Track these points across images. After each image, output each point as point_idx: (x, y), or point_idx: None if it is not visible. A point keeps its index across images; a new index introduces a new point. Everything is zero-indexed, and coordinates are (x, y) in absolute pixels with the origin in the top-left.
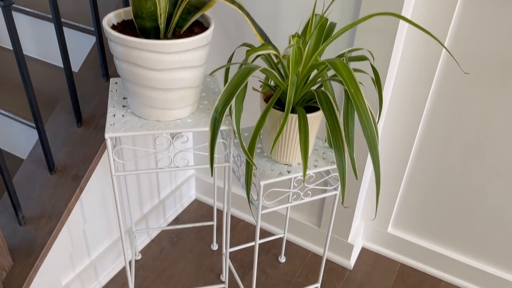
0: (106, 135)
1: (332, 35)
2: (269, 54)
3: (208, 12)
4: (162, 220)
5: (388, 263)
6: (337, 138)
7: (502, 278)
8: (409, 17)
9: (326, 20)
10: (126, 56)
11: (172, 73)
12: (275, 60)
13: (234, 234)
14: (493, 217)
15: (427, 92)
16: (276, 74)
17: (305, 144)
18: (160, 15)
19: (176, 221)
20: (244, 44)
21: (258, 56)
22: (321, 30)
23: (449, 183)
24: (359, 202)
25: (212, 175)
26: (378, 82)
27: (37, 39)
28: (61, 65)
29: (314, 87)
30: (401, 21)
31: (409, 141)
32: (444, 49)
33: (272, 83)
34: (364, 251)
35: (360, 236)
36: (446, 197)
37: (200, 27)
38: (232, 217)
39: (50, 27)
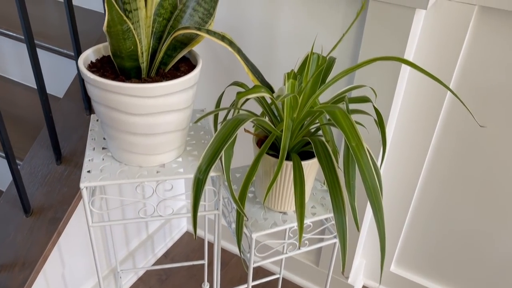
0: (81, 185)
1: (330, 78)
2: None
3: (198, 45)
4: (150, 256)
5: None
6: (336, 197)
7: None
8: (413, 52)
9: (325, 59)
10: (104, 99)
11: (154, 117)
12: (269, 101)
13: (226, 271)
14: (504, 260)
15: (433, 127)
16: (269, 122)
17: (301, 198)
18: (142, 53)
19: (166, 255)
20: (235, 83)
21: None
22: (319, 72)
23: (456, 222)
24: (360, 240)
25: (195, 238)
26: (381, 124)
27: (21, 62)
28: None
29: (312, 126)
30: (406, 53)
31: (413, 177)
32: (451, 83)
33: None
34: None
35: (361, 274)
36: (452, 236)
37: (187, 64)
38: (225, 251)
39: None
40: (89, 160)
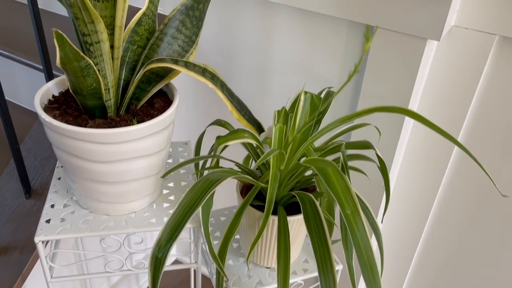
0: (36, 239)
1: (326, 126)
2: None
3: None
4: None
5: None
6: (325, 271)
7: None
8: (422, 86)
9: (320, 99)
10: (62, 144)
11: (121, 164)
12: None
13: None
14: None
15: (441, 173)
16: (250, 177)
17: (285, 260)
18: (108, 90)
19: None
20: (217, 122)
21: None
22: (312, 110)
23: (465, 267)
24: None
25: None
26: (385, 173)
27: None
28: (28, 107)
29: (307, 173)
30: (415, 88)
31: (419, 222)
32: (464, 122)
33: (253, 164)
34: None
35: None
36: (460, 283)
37: (163, 99)
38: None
39: (9, 63)
40: (50, 206)
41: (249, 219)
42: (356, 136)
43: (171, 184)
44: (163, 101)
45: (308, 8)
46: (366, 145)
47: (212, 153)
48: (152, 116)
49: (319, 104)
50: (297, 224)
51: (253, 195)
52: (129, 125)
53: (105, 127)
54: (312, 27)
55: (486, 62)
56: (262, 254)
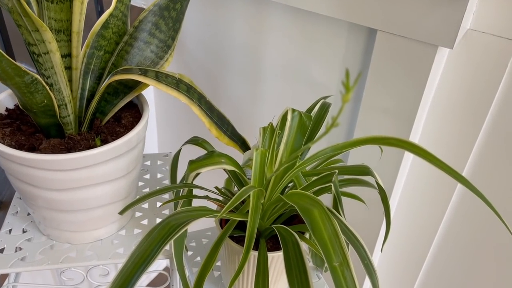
0: None
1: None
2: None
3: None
4: None
5: None
6: None
7: None
8: (431, 97)
9: (309, 118)
10: (11, 170)
11: (82, 192)
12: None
13: None
14: None
15: (446, 204)
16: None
17: None
18: (65, 105)
19: None
20: (193, 140)
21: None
22: (301, 130)
23: None
24: None
25: None
26: (385, 201)
27: None
28: None
29: None
30: (423, 99)
31: (421, 253)
32: (479, 136)
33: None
34: None
35: None
36: None
37: (132, 113)
38: None
39: None
40: (7, 231)
41: (228, 252)
42: (355, 152)
43: (145, 206)
44: (133, 115)
45: (304, 8)
46: (365, 171)
47: (184, 181)
48: (117, 135)
49: (308, 124)
50: (279, 261)
51: (231, 228)
52: (90, 145)
53: (61, 149)
54: (309, 28)
55: (505, 70)
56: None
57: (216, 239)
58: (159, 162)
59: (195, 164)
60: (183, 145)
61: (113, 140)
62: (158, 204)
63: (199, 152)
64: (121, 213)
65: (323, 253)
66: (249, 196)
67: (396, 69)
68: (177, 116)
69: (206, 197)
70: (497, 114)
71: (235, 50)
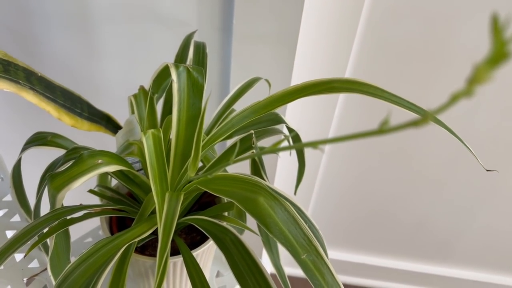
0: None
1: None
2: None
3: None
4: None
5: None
6: None
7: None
8: None
9: (201, 72)
10: None
11: None
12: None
13: None
14: (417, 219)
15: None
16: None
17: None
18: None
19: None
20: (36, 139)
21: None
22: (196, 93)
23: (364, 190)
24: None
25: None
26: (299, 147)
27: None
28: None
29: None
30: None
31: (316, 151)
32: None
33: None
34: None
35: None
36: (363, 205)
37: None
38: None
39: None
40: None
41: (137, 268)
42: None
43: None
44: None
45: None
46: (276, 119)
47: (51, 209)
48: None
49: (202, 81)
50: (206, 253)
51: (133, 245)
52: None
53: None
54: None
55: None
56: None
57: (116, 261)
58: None
59: (59, 179)
60: (23, 151)
61: None
62: (9, 233)
63: (44, 153)
64: None
65: (287, 249)
66: (148, 187)
67: None
68: None
69: (82, 207)
70: (368, 20)
71: None
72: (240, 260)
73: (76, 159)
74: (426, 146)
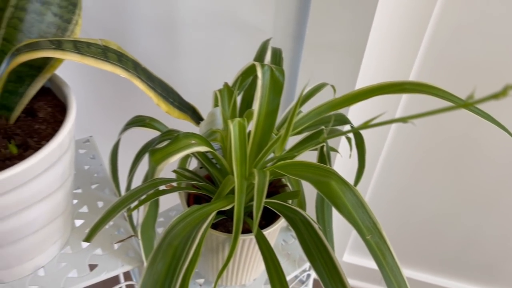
0: None
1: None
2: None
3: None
4: None
5: None
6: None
7: None
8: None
9: (282, 72)
10: None
11: (7, 222)
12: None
13: None
14: (466, 236)
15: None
16: (218, 208)
17: (278, 275)
18: None
19: None
20: (137, 121)
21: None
22: (275, 89)
23: (416, 206)
24: None
25: None
26: (361, 147)
27: None
28: None
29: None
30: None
31: (372, 160)
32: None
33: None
34: (317, 282)
35: None
36: (413, 219)
37: (48, 99)
38: None
39: None
40: None
41: (209, 243)
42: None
43: (84, 210)
44: (50, 104)
45: None
46: (342, 119)
47: (149, 179)
48: (39, 134)
49: (282, 80)
50: (274, 232)
51: (212, 221)
52: (6, 155)
53: None
54: None
55: None
56: (232, 275)
57: (189, 236)
58: (81, 151)
59: (159, 154)
60: (125, 130)
61: (36, 142)
62: (100, 204)
63: (130, 135)
64: (87, 240)
65: (354, 227)
66: (225, 169)
67: None
68: (86, 90)
69: (174, 189)
70: (433, 37)
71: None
72: (308, 237)
73: (173, 138)
74: (479, 166)
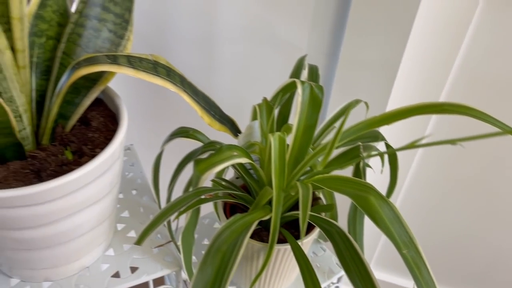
0: None
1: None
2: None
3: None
4: None
5: None
6: None
7: None
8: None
9: (321, 89)
10: None
11: (60, 224)
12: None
13: None
14: (490, 255)
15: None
16: (259, 217)
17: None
18: (20, 116)
19: None
20: (181, 132)
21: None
22: (314, 106)
23: (441, 222)
24: None
25: None
26: (394, 164)
27: None
28: None
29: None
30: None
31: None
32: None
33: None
34: None
35: None
36: (438, 235)
37: (100, 110)
38: None
39: None
40: None
41: (245, 251)
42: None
43: (125, 214)
44: (102, 114)
45: None
46: (376, 135)
47: (191, 188)
48: (92, 142)
49: (321, 97)
50: (309, 243)
51: (251, 228)
52: (63, 161)
53: (26, 173)
54: None
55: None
56: (266, 283)
57: (235, 243)
58: (124, 158)
59: (204, 164)
60: (169, 140)
61: (90, 150)
62: (141, 209)
63: (170, 146)
64: (138, 243)
65: (391, 241)
66: (262, 180)
67: (378, 17)
68: (127, 100)
69: (214, 198)
70: (466, 57)
71: (181, 12)
72: (344, 249)
73: (217, 149)
74: (508, 184)
